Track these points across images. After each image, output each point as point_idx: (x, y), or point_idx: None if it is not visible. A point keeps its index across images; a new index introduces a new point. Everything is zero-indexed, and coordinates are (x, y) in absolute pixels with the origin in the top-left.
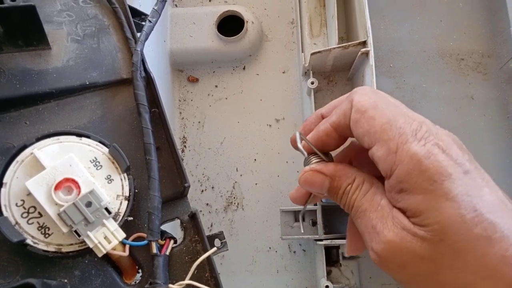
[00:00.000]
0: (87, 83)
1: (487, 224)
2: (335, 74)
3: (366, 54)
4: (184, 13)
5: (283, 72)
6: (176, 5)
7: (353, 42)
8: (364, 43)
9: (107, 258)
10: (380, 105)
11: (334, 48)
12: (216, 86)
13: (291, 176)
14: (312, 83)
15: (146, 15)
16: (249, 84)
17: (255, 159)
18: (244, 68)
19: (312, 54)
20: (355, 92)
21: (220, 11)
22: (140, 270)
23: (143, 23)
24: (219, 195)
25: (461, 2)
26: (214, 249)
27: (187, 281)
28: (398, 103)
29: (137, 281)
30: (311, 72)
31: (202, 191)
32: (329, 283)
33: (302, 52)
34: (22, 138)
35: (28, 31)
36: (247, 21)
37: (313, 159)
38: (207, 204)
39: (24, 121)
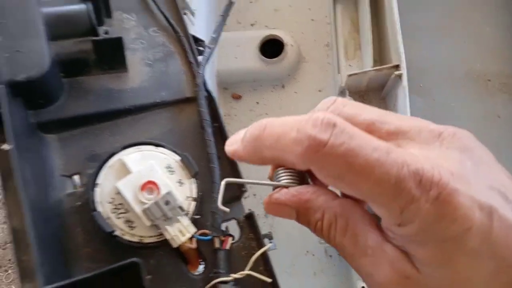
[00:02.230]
0: (158, 101)
1: None
2: (369, 94)
3: (399, 76)
4: (230, 37)
5: (319, 91)
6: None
7: (386, 66)
8: (397, 67)
9: (177, 250)
10: None
11: (369, 71)
12: (258, 102)
13: None
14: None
15: (202, 41)
16: (288, 101)
17: None
18: (283, 87)
19: (349, 75)
20: None
21: (263, 35)
22: (202, 262)
23: (201, 48)
24: (259, 201)
25: (488, 26)
26: (270, 244)
27: (247, 271)
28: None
29: (200, 272)
30: (347, 91)
31: (245, 197)
32: (365, 285)
33: (338, 73)
34: (104, 147)
35: (114, 57)
36: (286, 44)
37: (282, 175)
38: (249, 209)
39: (106, 133)
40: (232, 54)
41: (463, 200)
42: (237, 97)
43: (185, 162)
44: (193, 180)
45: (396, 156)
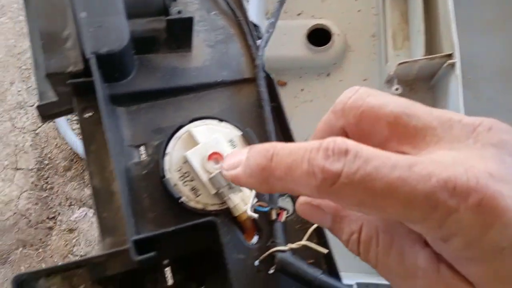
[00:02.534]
0: (219, 80)
1: None
2: (417, 83)
3: (452, 65)
4: (277, 25)
5: (364, 80)
6: (268, 18)
7: (439, 54)
8: (449, 56)
9: (235, 220)
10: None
11: (421, 60)
12: (302, 89)
13: None
14: (397, 89)
15: (257, 26)
16: (332, 89)
17: None
18: (328, 75)
19: (400, 64)
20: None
21: (310, 24)
22: (257, 234)
23: (256, 33)
24: None
25: None
26: None
27: (303, 241)
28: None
29: (255, 242)
30: (395, 80)
31: None
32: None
33: (386, 63)
34: (168, 121)
35: (182, 37)
36: (334, 33)
37: None
38: None
39: (169, 108)
40: (279, 42)
41: (510, 202)
42: (282, 84)
43: (246, 137)
44: None
45: (421, 168)
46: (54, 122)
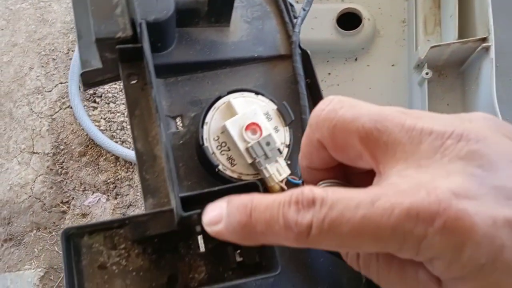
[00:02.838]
0: (255, 55)
1: None
2: (447, 68)
3: (487, 48)
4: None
5: (392, 65)
6: (297, 1)
7: (473, 38)
8: (484, 39)
9: (267, 191)
10: None
11: (454, 43)
12: (329, 73)
13: None
14: (427, 73)
15: (292, 5)
16: (360, 74)
17: None
18: (356, 60)
19: (432, 47)
20: None
21: (341, 8)
22: None
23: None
24: None
25: None
26: None
27: None
28: None
29: None
30: (426, 64)
31: None
32: None
33: (416, 48)
34: (204, 94)
35: (223, 11)
36: (364, 18)
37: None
38: None
39: (206, 81)
40: (308, 25)
41: (478, 219)
42: None
43: (282, 110)
44: (287, 128)
45: (383, 202)
46: (71, 108)
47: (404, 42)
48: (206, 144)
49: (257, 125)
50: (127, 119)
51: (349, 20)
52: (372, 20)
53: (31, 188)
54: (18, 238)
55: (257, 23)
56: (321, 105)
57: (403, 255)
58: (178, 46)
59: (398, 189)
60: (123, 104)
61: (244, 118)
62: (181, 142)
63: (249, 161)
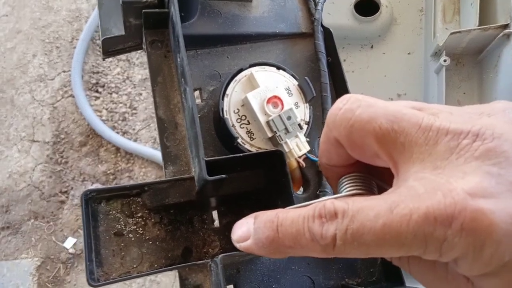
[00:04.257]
0: (276, 31)
1: None
2: (465, 57)
3: (508, 35)
4: None
5: (408, 53)
6: None
7: (494, 25)
8: (505, 26)
9: None
10: None
11: (474, 30)
12: (345, 60)
13: None
14: (445, 61)
15: None
16: (375, 61)
17: None
18: (371, 47)
19: (452, 33)
20: None
21: None
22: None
23: None
24: None
25: None
26: None
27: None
28: None
29: (301, 193)
30: (444, 52)
31: None
32: None
33: (434, 36)
34: (224, 68)
35: None
36: (382, 5)
37: (346, 184)
38: None
39: (226, 55)
40: (325, 10)
41: (497, 217)
42: None
43: (303, 86)
44: (307, 105)
45: (401, 209)
46: (73, 97)
47: (421, 31)
48: (226, 116)
49: (279, 98)
50: (129, 110)
51: (366, 7)
52: (389, 7)
53: (30, 176)
54: (16, 226)
55: (279, 0)
56: (338, 104)
57: (428, 257)
58: (200, 17)
59: (415, 193)
60: (125, 94)
61: (265, 91)
62: (199, 115)
63: (269, 134)
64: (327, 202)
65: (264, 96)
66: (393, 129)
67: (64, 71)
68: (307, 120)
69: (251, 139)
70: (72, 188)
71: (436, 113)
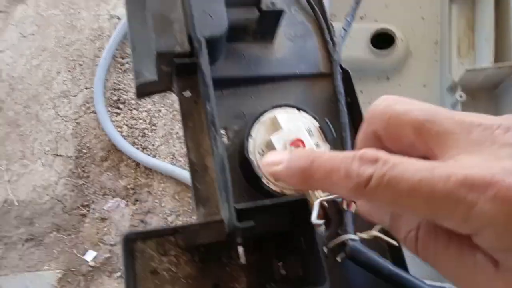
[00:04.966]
0: (296, 72)
1: None
2: (480, 92)
3: None
4: (340, 27)
5: (423, 86)
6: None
7: (509, 62)
8: None
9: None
10: None
11: (489, 68)
12: (361, 91)
13: None
14: (461, 96)
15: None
16: (391, 92)
17: None
18: (387, 78)
19: (468, 70)
20: None
21: (375, 28)
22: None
23: None
24: None
25: None
26: None
27: (375, 232)
28: None
29: (322, 230)
30: (459, 87)
31: None
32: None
33: (449, 70)
34: (248, 108)
35: (270, 28)
36: (397, 38)
37: None
38: None
39: (250, 95)
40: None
41: None
42: None
43: (323, 128)
44: (327, 144)
45: (441, 171)
46: (95, 113)
47: (437, 64)
48: (251, 156)
49: (301, 141)
50: (148, 126)
51: (382, 40)
52: (405, 40)
53: (53, 190)
54: (39, 238)
55: (299, 41)
56: (376, 102)
57: (450, 222)
58: (225, 60)
59: (455, 163)
60: (145, 111)
61: (288, 133)
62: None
63: None
64: (368, 149)
65: (287, 138)
66: (429, 120)
67: (86, 88)
68: None
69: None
70: (93, 202)
71: (467, 114)
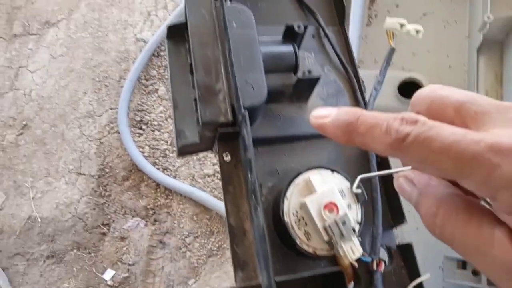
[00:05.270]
0: None
1: None
2: None
3: None
4: (367, 75)
5: None
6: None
7: None
8: None
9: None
10: None
11: None
12: None
13: None
14: None
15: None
16: None
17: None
18: None
19: None
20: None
21: (402, 77)
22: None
23: None
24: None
25: None
26: (428, 275)
27: None
28: None
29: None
30: None
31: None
32: None
33: None
34: (282, 165)
35: (306, 91)
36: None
37: None
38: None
39: (284, 153)
40: (369, 91)
41: None
42: None
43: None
44: (359, 205)
45: (474, 135)
46: (118, 133)
47: None
48: (286, 218)
49: (334, 204)
50: (169, 147)
51: (409, 88)
52: None
53: (75, 208)
54: (60, 256)
55: (331, 100)
56: (422, 88)
57: (472, 183)
58: (262, 121)
59: (488, 132)
60: (167, 132)
61: (322, 196)
62: None
63: (326, 238)
64: (410, 113)
65: (321, 201)
66: (469, 101)
67: (111, 108)
68: (359, 220)
69: (308, 239)
70: (113, 221)
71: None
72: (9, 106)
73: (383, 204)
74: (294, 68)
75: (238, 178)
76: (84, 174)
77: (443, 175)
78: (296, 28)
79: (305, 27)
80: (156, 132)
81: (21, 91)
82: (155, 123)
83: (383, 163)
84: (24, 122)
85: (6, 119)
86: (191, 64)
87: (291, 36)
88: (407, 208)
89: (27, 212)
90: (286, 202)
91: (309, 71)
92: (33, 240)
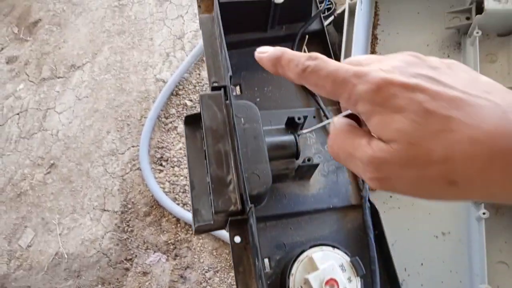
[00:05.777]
0: (330, 206)
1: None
2: (504, 207)
3: None
4: None
5: None
6: None
7: None
8: None
9: None
10: None
11: None
12: (391, 196)
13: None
14: (484, 213)
15: None
16: (420, 199)
17: (421, 263)
18: None
19: None
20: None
21: None
22: None
23: None
24: None
25: None
26: None
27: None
28: None
29: None
30: (482, 204)
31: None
32: None
33: None
34: (287, 239)
35: (307, 173)
36: None
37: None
38: None
39: (289, 227)
40: None
41: (382, 75)
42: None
43: (354, 264)
44: (358, 278)
45: (347, 67)
46: (139, 169)
47: None
48: None
49: (335, 280)
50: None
51: None
52: None
53: (99, 243)
54: None
55: (332, 176)
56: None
57: (342, 99)
58: (269, 200)
59: (359, 67)
60: (186, 168)
61: (324, 273)
62: (268, 282)
63: None
64: (315, 52)
65: (323, 277)
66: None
67: (133, 146)
68: None
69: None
70: (136, 256)
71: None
72: (37, 146)
73: (381, 276)
74: (296, 155)
75: (247, 259)
76: (108, 211)
77: (327, 95)
78: (296, 120)
79: (305, 118)
80: (176, 168)
81: (49, 131)
82: (175, 159)
83: (380, 236)
84: (51, 161)
85: (35, 158)
86: (205, 151)
87: (292, 125)
88: (412, 268)
89: (55, 248)
90: (291, 278)
91: (309, 159)
92: (60, 276)
